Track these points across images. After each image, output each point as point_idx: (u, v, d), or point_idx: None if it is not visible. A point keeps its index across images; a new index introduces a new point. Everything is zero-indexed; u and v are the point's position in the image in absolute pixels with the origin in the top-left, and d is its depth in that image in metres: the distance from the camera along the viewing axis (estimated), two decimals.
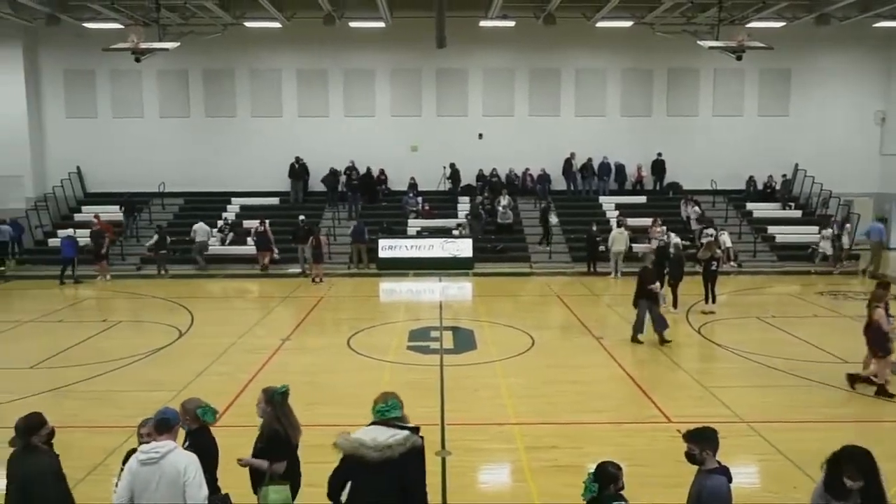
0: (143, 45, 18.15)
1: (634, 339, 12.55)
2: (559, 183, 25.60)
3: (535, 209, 24.64)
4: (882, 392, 9.62)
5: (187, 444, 4.99)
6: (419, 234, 22.88)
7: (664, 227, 20.97)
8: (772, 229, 23.68)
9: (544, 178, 25.30)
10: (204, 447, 4.96)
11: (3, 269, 20.83)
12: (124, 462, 4.83)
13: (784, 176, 25.42)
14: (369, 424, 4.64)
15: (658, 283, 12.90)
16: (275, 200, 25.27)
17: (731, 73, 24.81)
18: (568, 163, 25.28)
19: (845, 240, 21.23)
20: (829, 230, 21.02)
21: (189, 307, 15.98)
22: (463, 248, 21.81)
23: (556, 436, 8.30)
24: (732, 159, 25.41)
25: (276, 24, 22.25)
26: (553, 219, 22.75)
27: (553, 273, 20.94)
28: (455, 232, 22.80)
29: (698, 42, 20.02)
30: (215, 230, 22.84)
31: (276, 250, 21.53)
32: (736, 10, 21.26)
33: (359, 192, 24.62)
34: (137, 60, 18.87)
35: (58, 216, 24.58)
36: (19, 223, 22.57)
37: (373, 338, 13.23)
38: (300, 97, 25.52)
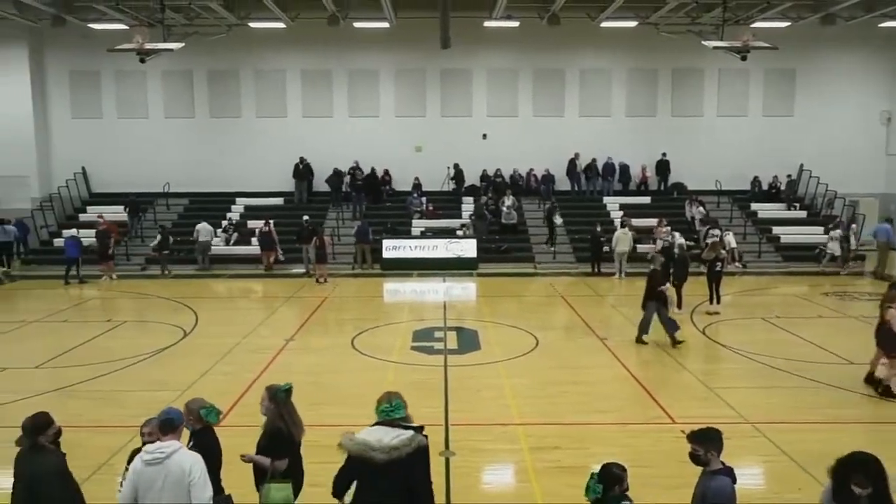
0: (148, 46, 18.20)
1: (639, 340, 12.53)
2: (563, 183, 25.58)
3: (539, 209, 24.64)
4: (888, 393, 9.58)
5: (191, 444, 4.99)
6: (423, 235, 22.89)
7: (669, 228, 20.96)
8: (777, 230, 23.60)
9: (548, 178, 25.28)
10: (208, 447, 4.97)
11: (6, 269, 20.86)
12: (129, 462, 4.85)
13: (789, 176, 25.36)
14: (373, 425, 4.64)
15: (668, 285, 12.81)
16: (279, 201, 25.31)
17: (736, 74, 24.75)
18: (572, 163, 25.26)
19: (852, 241, 21.16)
20: (838, 231, 20.95)
21: (193, 307, 16.01)
22: (467, 248, 21.81)
23: (560, 436, 8.28)
24: (737, 159, 25.36)
25: (281, 25, 22.29)
26: (558, 219, 22.73)
27: (557, 273, 20.92)
28: (459, 232, 22.80)
29: (703, 42, 19.97)
30: (219, 230, 22.90)
31: (280, 250, 21.57)
32: (741, 10, 21.22)
33: (363, 192, 24.63)
34: (142, 61, 18.94)
35: (63, 216, 24.66)
36: (24, 223, 22.65)
37: (377, 338, 13.24)
38: (304, 98, 25.55)
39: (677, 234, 20.32)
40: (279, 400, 5.36)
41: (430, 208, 24.58)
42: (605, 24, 22.62)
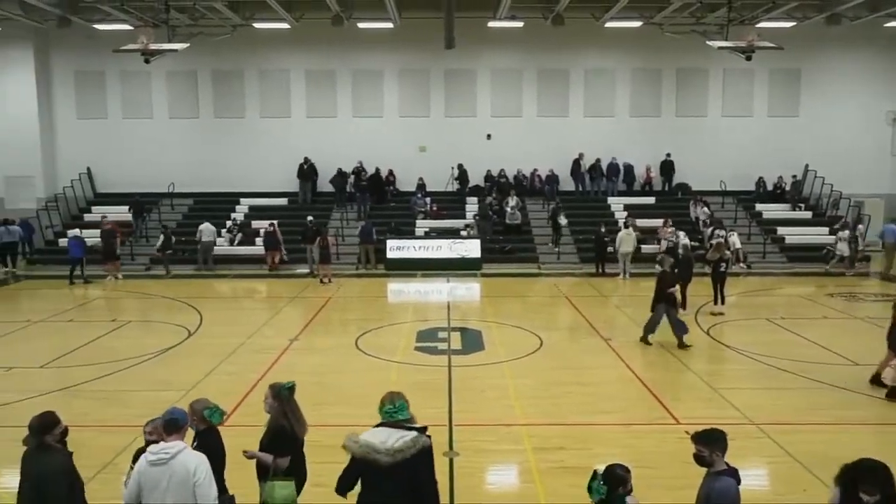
0: (153, 47, 18.26)
1: (644, 340, 12.49)
2: (567, 184, 25.56)
3: (543, 210, 24.63)
4: (893, 395, 9.54)
5: (195, 444, 5.01)
6: (427, 235, 22.90)
7: (673, 228, 20.93)
8: (781, 230, 23.54)
9: (553, 178, 25.27)
10: (212, 448, 4.98)
11: (8, 269, 20.93)
12: (133, 461, 4.86)
13: (794, 177, 25.29)
14: (377, 426, 4.64)
15: (678, 287, 12.71)
16: (283, 201, 25.35)
17: (741, 74, 24.70)
18: (576, 163, 25.24)
19: (859, 241, 21.09)
20: (847, 231, 20.88)
21: (198, 307, 16.04)
22: (471, 248, 21.81)
23: (564, 437, 8.28)
24: (742, 160, 25.30)
25: (285, 25, 22.32)
26: (563, 220, 22.71)
27: (561, 274, 20.91)
28: (463, 233, 22.79)
29: (708, 42, 19.95)
30: (224, 230, 22.94)
31: (284, 251, 21.60)
32: (745, 10, 21.16)
33: (367, 192, 24.65)
34: (147, 62, 19.00)
35: (68, 216, 24.75)
36: (30, 223, 22.72)
37: (381, 338, 13.24)
38: (309, 98, 25.58)
39: (682, 234, 20.32)
40: (283, 398, 5.39)
41: (434, 208, 24.58)
42: (609, 25, 22.59)
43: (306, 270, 20.94)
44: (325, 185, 25.29)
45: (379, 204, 24.92)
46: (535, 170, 25.60)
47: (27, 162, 24.62)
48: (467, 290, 19.30)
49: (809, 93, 25.52)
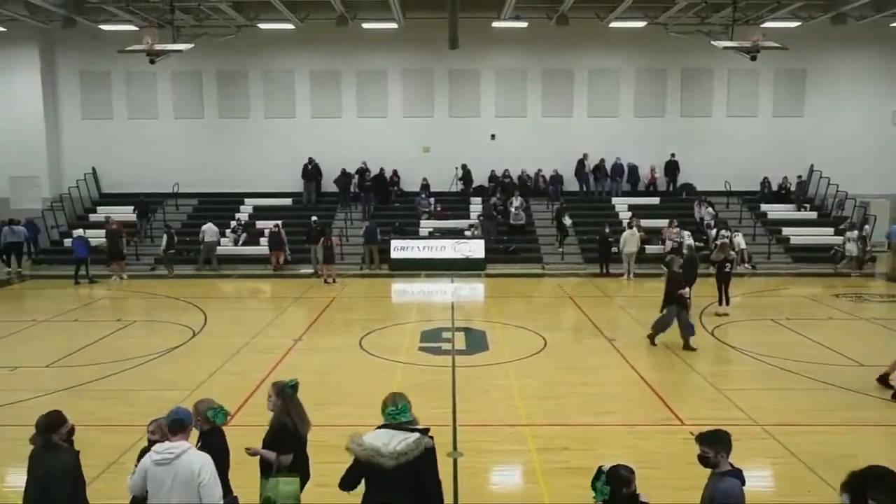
0: (158, 47, 18.32)
1: (651, 338, 12.43)
2: (572, 184, 25.54)
3: (547, 210, 24.61)
4: None
5: (200, 444, 5.01)
6: (431, 235, 22.91)
7: (679, 229, 20.89)
8: (786, 231, 23.48)
9: (557, 178, 25.25)
10: (216, 448, 4.99)
11: (10, 269, 21.01)
12: (138, 461, 4.87)
13: (799, 177, 25.21)
14: (379, 427, 4.65)
15: (688, 289, 12.63)
16: (288, 201, 25.38)
17: (746, 74, 24.64)
18: (580, 164, 25.21)
19: (867, 241, 21.02)
20: (856, 232, 20.79)
21: (202, 307, 16.07)
22: (475, 248, 21.81)
23: (568, 437, 8.27)
24: (747, 160, 25.24)
25: (290, 26, 22.36)
26: (567, 220, 22.69)
27: (565, 274, 20.88)
28: (467, 233, 22.79)
29: (712, 42, 19.90)
30: (228, 231, 22.99)
31: (288, 251, 21.62)
32: (750, 10, 21.10)
33: (371, 192, 24.67)
34: (152, 62, 19.06)
35: (73, 217, 24.82)
36: (35, 223, 22.80)
37: (385, 338, 13.25)
38: (313, 98, 25.61)
39: (686, 234, 20.28)
40: (286, 395, 5.42)
41: (439, 209, 24.59)
42: (613, 25, 22.56)
43: (310, 270, 20.97)
44: (329, 185, 25.32)
45: (383, 204, 24.93)
46: (540, 170, 25.59)
47: (32, 162, 24.71)
48: (471, 290, 19.30)
49: (814, 93, 25.45)
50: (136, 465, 4.79)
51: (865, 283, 19.56)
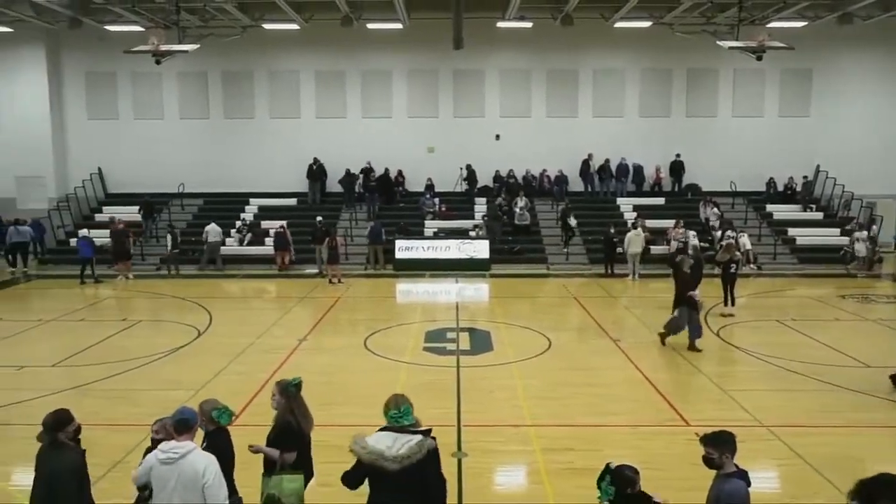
0: (164, 48, 18.34)
1: (662, 338, 12.37)
2: (576, 184, 25.50)
3: (552, 210, 24.58)
4: None
5: (205, 445, 5.02)
6: (436, 236, 22.91)
7: (684, 229, 20.84)
8: (792, 231, 23.39)
9: (561, 179, 25.22)
10: (221, 449, 4.99)
11: (16, 269, 21.07)
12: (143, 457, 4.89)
13: (805, 177, 25.13)
14: (381, 429, 4.64)
15: (698, 291, 12.53)
16: (293, 201, 25.42)
17: (752, 74, 24.56)
18: (585, 164, 25.18)
19: (875, 242, 20.95)
20: (865, 232, 20.70)
21: (207, 307, 16.11)
22: (480, 249, 21.80)
23: (573, 438, 8.25)
24: (752, 160, 25.15)
25: (295, 26, 22.38)
26: (573, 221, 22.65)
27: (570, 275, 20.86)
28: (472, 233, 22.79)
29: (718, 42, 19.85)
30: (233, 231, 23.03)
31: (293, 251, 21.65)
32: (756, 10, 21.04)
33: (376, 193, 24.69)
34: (158, 62, 19.09)
35: (79, 217, 24.91)
36: (41, 223, 22.88)
37: (389, 338, 13.26)
38: (318, 98, 25.64)
39: (692, 234, 20.22)
40: (289, 394, 5.44)
41: (443, 209, 24.59)
42: (618, 25, 22.52)
43: (315, 271, 20.99)
44: (334, 185, 25.36)
45: (388, 204, 24.94)
46: (544, 170, 25.56)
47: (38, 162, 24.80)
48: (476, 290, 19.29)
49: (821, 93, 25.34)
50: (140, 463, 4.80)
51: (872, 283, 19.48)
